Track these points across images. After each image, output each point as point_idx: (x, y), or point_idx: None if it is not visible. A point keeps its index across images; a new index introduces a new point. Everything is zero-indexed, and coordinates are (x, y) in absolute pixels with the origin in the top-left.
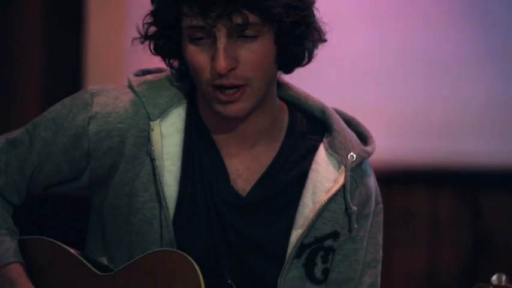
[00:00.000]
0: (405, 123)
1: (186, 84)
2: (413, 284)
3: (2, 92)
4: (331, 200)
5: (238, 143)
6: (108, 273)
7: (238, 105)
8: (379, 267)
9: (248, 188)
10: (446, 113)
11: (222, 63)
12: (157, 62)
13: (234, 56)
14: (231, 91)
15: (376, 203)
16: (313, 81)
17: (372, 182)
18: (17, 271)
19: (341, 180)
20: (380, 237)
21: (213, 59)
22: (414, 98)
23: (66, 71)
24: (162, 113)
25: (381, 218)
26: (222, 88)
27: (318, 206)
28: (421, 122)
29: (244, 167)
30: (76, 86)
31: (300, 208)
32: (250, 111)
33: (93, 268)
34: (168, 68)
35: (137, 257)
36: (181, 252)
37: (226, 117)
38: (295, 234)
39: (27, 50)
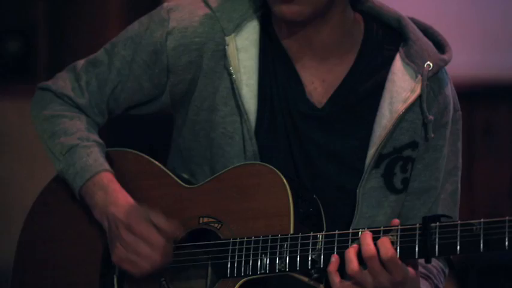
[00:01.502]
0: (488, 37)
1: None
2: (495, 197)
3: (84, 13)
4: (408, 109)
5: (311, 55)
6: (194, 185)
7: (294, 7)
8: (460, 174)
9: (324, 100)
10: None
11: None
12: None
13: None
14: None
15: (455, 111)
16: None
17: (450, 90)
18: (108, 178)
19: (418, 90)
20: (459, 145)
21: None
22: (498, 11)
23: None
24: (237, 27)
25: (459, 125)
26: None
27: (395, 116)
28: (505, 36)
29: (319, 79)
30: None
31: (378, 119)
32: (309, 17)
33: (178, 180)
34: None
35: (223, 171)
36: (269, 166)
37: (284, 18)
38: (374, 145)
39: None
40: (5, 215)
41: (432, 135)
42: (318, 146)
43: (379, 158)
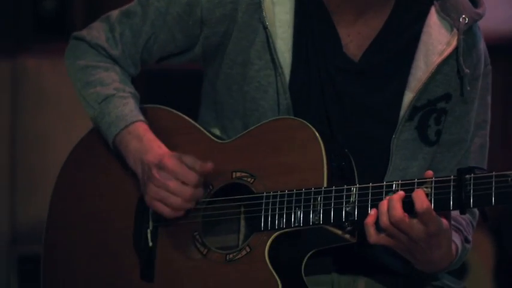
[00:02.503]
0: None
1: None
2: None
3: None
4: (444, 62)
5: (347, 8)
6: (226, 140)
7: None
8: (488, 128)
9: (360, 53)
10: None
11: None
12: None
13: None
14: None
15: (485, 65)
16: None
17: (482, 44)
18: (143, 128)
19: (454, 43)
20: (489, 99)
21: None
22: None
23: None
24: None
25: (489, 79)
26: None
27: (431, 69)
28: None
29: (355, 32)
30: None
31: (413, 71)
32: None
33: (209, 135)
34: None
35: (255, 125)
36: (302, 120)
37: None
38: (408, 97)
39: None
40: (43, 171)
41: (468, 88)
42: (352, 99)
43: (414, 110)
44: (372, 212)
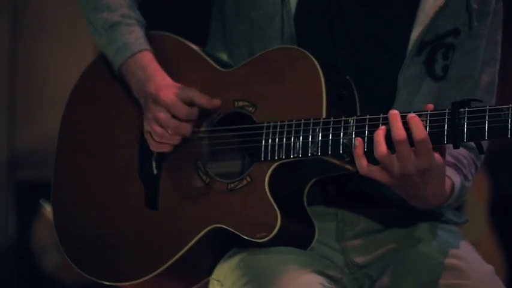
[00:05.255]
0: None
1: None
2: None
3: None
4: None
5: None
6: (229, 69)
7: None
8: (497, 66)
9: None
10: None
11: None
12: None
13: None
14: None
15: (496, 2)
16: None
17: None
18: (149, 57)
19: None
20: (499, 37)
21: None
22: None
23: None
24: None
25: (500, 16)
26: None
27: (439, 3)
28: None
29: None
30: None
31: (422, 5)
32: None
33: (213, 63)
34: None
35: (257, 54)
36: (301, 49)
37: None
38: (416, 31)
39: None
40: (42, 97)
41: (476, 23)
42: (361, 30)
43: (421, 44)
44: (357, 143)
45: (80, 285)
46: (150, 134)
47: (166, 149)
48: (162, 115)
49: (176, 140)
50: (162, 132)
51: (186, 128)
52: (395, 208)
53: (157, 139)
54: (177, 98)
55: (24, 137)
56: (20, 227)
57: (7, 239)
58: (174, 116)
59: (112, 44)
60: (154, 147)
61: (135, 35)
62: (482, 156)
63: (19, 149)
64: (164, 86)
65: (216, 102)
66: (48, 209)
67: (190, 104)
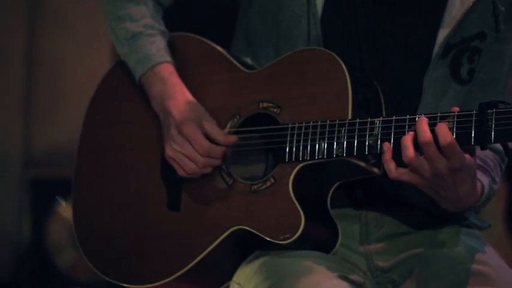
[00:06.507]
0: None
1: None
2: None
3: None
4: (478, 0)
5: None
6: (254, 70)
7: None
8: None
9: None
10: None
11: None
12: None
13: None
14: None
15: None
16: None
17: None
18: (169, 70)
19: None
20: None
21: None
22: None
23: None
24: None
25: None
26: None
27: (466, 6)
28: None
29: None
30: None
31: (448, 7)
32: None
33: (238, 64)
34: None
35: (282, 56)
36: (328, 51)
37: None
38: (442, 33)
39: None
40: (58, 94)
41: (503, 27)
42: (387, 33)
43: (447, 47)
44: (385, 148)
45: (95, 283)
46: (178, 163)
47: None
48: (189, 149)
49: (207, 170)
50: (191, 165)
51: (215, 162)
52: (419, 211)
53: (189, 172)
54: (198, 131)
55: (40, 135)
56: (34, 224)
57: (22, 236)
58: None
59: (133, 54)
60: (185, 176)
61: (156, 46)
62: (507, 159)
63: (34, 147)
64: (186, 110)
65: (232, 139)
66: (63, 206)
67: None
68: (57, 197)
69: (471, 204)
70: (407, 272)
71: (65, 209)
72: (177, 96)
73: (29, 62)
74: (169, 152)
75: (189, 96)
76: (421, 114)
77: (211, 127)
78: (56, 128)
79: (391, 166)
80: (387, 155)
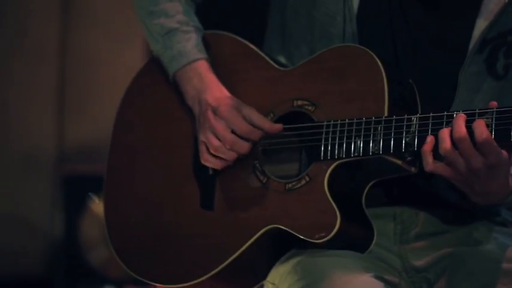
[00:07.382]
0: None
1: None
2: None
3: None
4: None
5: None
6: (288, 68)
7: None
8: None
9: None
10: None
11: None
12: None
13: None
14: None
15: None
16: None
17: None
18: (205, 67)
19: None
20: None
21: None
22: None
23: None
24: None
25: None
26: None
27: (503, 0)
28: None
29: None
30: None
31: (485, 1)
32: None
33: (272, 62)
34: None
35: (317, 53)
36: (365, 48)
37: None
38: (479, 28)
39: None
40: (91, 91)
41: None
42: (422, 28)
43: (483, 42)
44: (428, 139)
45: (127, 281)
46: (206, 145)
47: (217, 165)
48: (221, 127)
49: (231, 156)
50: (219, 145)
51: (243, 146)
52: (452, 209)
53: (212, 151)
54: (238, 113)
55: (73, 131)
56: (67, 221)
57: (55, 233)
58: (232, 131)
59: (168, 50)
60: (206, 160)
61: (192, 43)
62: None
63: (67, 143)
64: (225, 99)
65: (278, 126)
66: (96, 202)
67: (250, 123)
68: (90, 194)
69: (503, 197)
70: (441, 271)
71: (97, 206)
72: (214, 90)
73: (62, 58)
74: (205, 135)
75: (225, 91)
76: (459, 111)
77: (252, 112)
78: (90, 125)
79: (429, 159)
80: (427, 146)
